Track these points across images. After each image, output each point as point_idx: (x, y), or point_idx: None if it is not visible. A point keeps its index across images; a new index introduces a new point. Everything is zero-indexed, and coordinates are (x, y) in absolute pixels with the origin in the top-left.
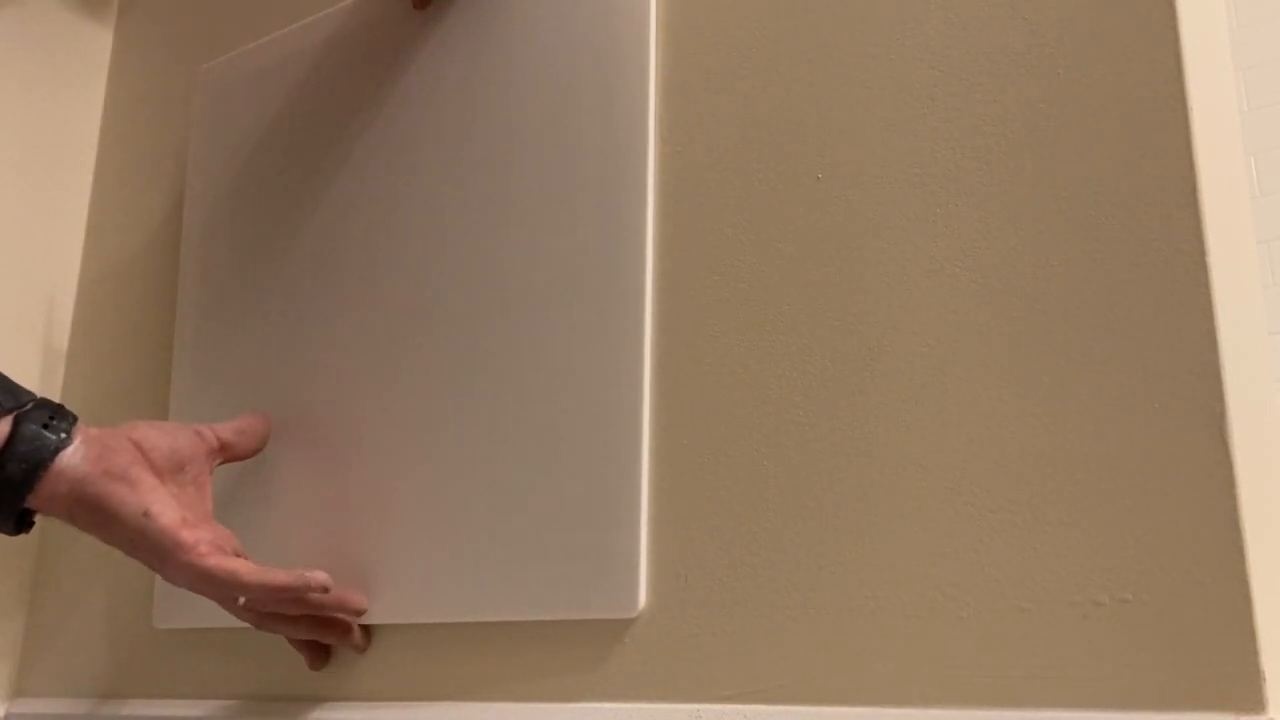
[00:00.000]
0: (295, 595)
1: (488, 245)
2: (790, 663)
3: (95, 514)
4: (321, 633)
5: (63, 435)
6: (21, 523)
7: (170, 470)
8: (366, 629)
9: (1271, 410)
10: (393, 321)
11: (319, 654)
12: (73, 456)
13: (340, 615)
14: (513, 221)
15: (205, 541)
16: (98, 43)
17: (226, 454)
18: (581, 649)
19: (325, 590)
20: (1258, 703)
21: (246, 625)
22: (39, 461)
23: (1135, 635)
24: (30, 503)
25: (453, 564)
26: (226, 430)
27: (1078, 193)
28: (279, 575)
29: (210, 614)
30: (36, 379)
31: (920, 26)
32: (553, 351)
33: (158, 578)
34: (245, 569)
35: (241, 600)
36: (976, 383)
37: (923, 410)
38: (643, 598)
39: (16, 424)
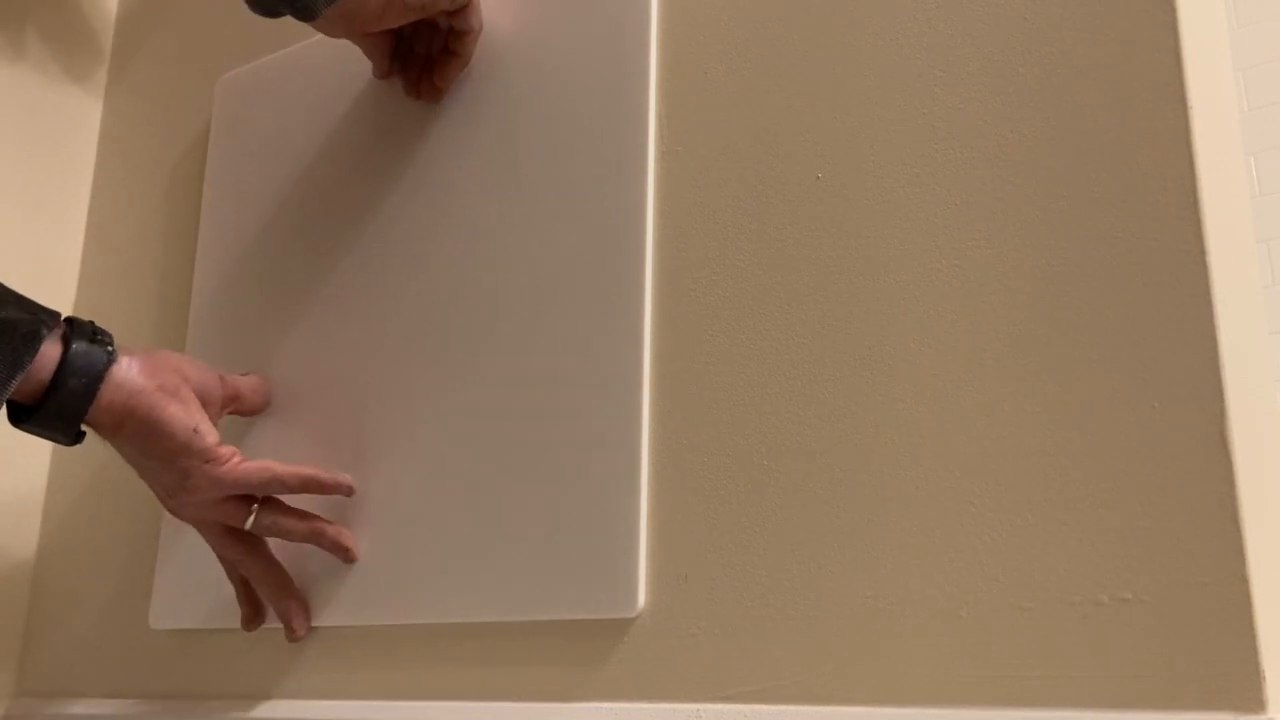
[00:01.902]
0: (322, 488)
1: (488, 247)
2: (790, 662)
3: (146, 425)
4: (282, 599)
5: (110, 350)
6: (77, 434)
7: (199, 396)
8: (312, 626)
9: (1271, 410)
10: (394, 324)
11: (257, 616)
12: (128, 370)
13: (333, 549)
14: (513, 223)
15: (238, 454)
16: (98, 43)
17: (236, 406)
18: (581, 649)
19: (350, 491)
20: (1258, 703)
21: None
22: (97, 375)
23: (1135, 635)
24: (91, 414)
25: (452, 563)
26: (243, 383)
27: (1078, 192)
28: (310, 467)
29: (205, 614)
30: None
31: (920, 26)
32: (553, 350)
33: (156, 578)
34: (276, 463)
35: (250, 521)
36: (976, 382)
37: (923, 410)
38: (642, 597)
39: (67, 343)
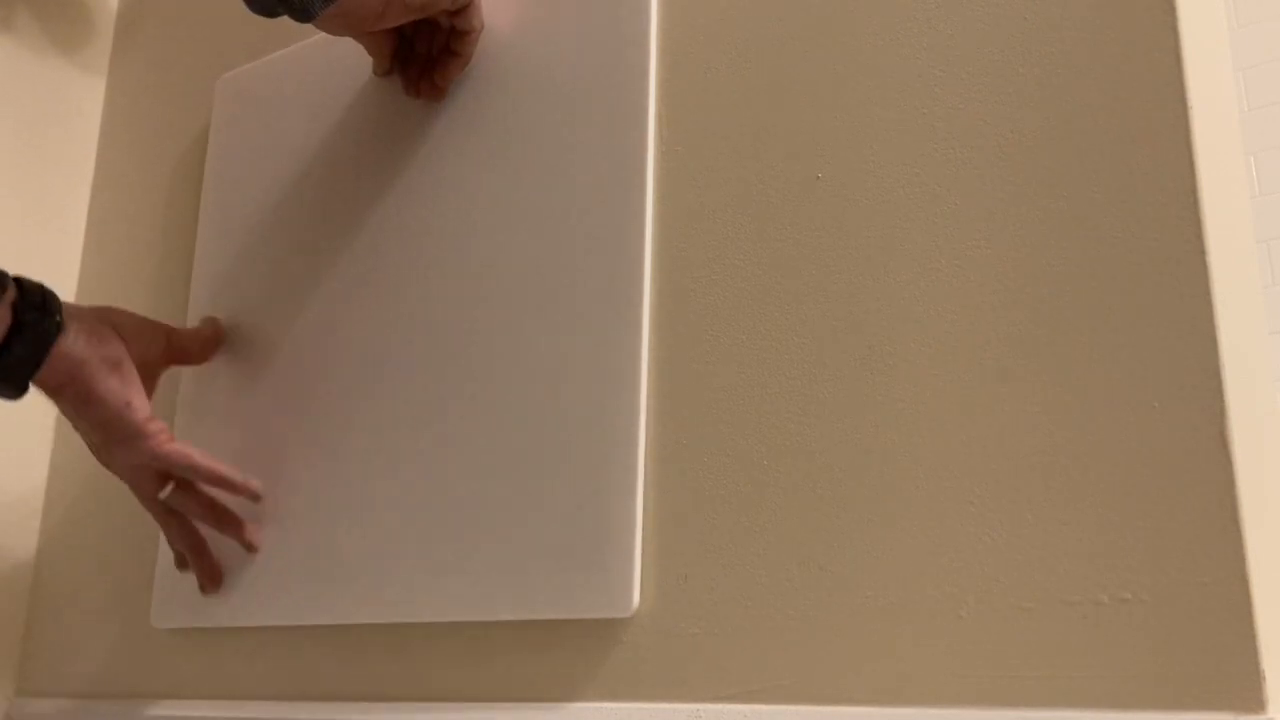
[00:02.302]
0: (231, 488)
1: (488, 246)
2: (790, 663)
3: (83, 394)
4: (198, 557)
5: (58, 319)
6: (21, 391)
7: (139, 363)
8: (220, 581)
9: (1271, 410)
10: (393, 322)
11: (214, 577)
12: (74, 342)
13: (236, 537)
14: (512, 222)
15: (166, 432)
16: (98, 41)
17: (182, 360)
18: (581, 648)
19: (256, 498)
20: (1258, 703)
21: (243, 625)
22: (44, 345)
23: (1135, 635)
24: (35, 378)
25: (448, 562)
26: (191, 339)
27: (1078, 192)
28: (224, 465)
29: (207, 613)
30: None
31: (921, 26)
32: (551, 349)
33: (157, 577)
34: (197, 452)
35: (165, 493)
36: (976, 382)
37: (922, 410)
38: (637, 597)
39: (16, 312)
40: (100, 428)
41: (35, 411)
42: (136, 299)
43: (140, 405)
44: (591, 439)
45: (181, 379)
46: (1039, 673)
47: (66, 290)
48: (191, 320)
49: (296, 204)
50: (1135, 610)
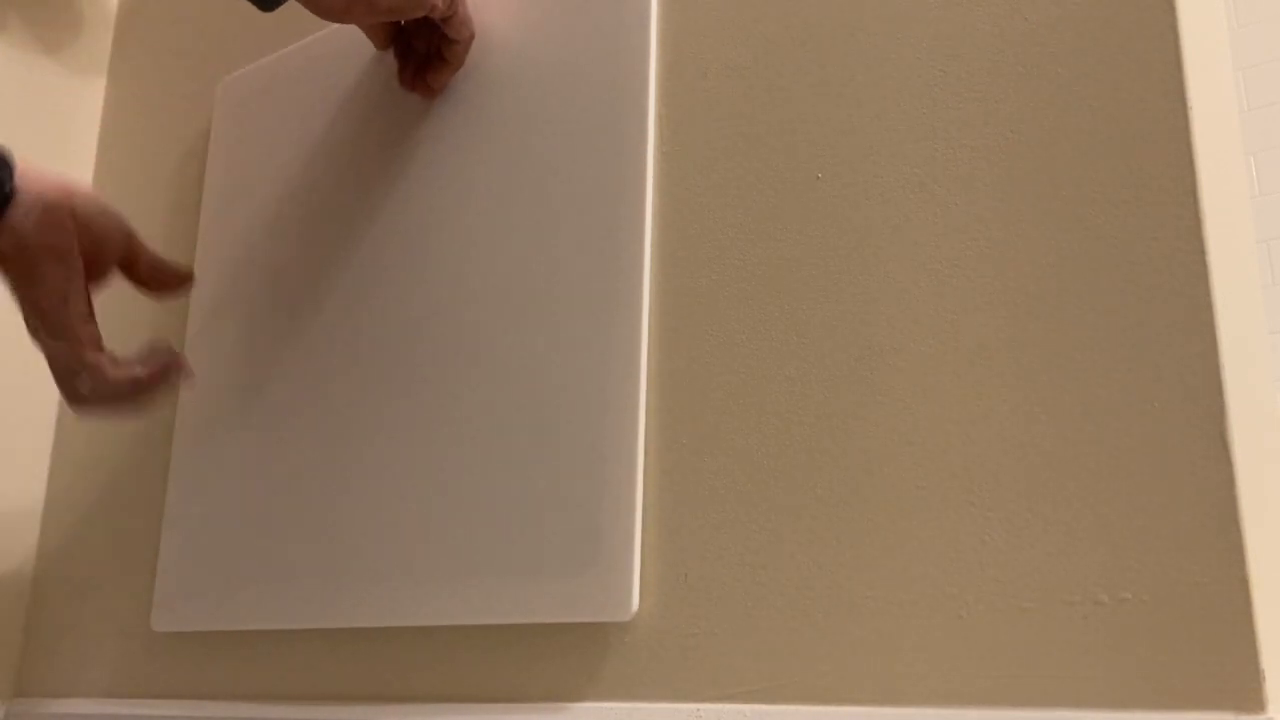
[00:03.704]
0: (152, 385)
1: (488, 248)
2: (790, 663)
3: (25, 275)
4: (138, 391)
5: (7, 189)
6: None
7: (89, 254)
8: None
9: (1271, 410)
10: (392, 324)
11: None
12: (25, 219)
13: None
14: (512, 224)
15: (97, 341)
16: (98, 43)
17: (130, 275)
18: (581, 649)
19: (179, 368)
20: (1258, 703)
21: (243, 629)
22: None
23: (1135, 635)
24: None
25: (446, 566)
26: (147, 259)
27: (1077, 192)
28: (141, 369)
29: (208, 616)
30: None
31: (920, 26)
32: (551, 351)
33: (158, 581)
34: (111, 367)
35: (87, 387)
36: (976, 382)
37: (922, 410)
38: (636, 601)
39: None
40: (36, 311)
41: (36, 412)
42: (136, 299)
43: (78, 303)
44: (591, 442)
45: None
46: (1039, 673)
47: None
48: (192, 324)
49: (296, 206)
50: (1135, 610)
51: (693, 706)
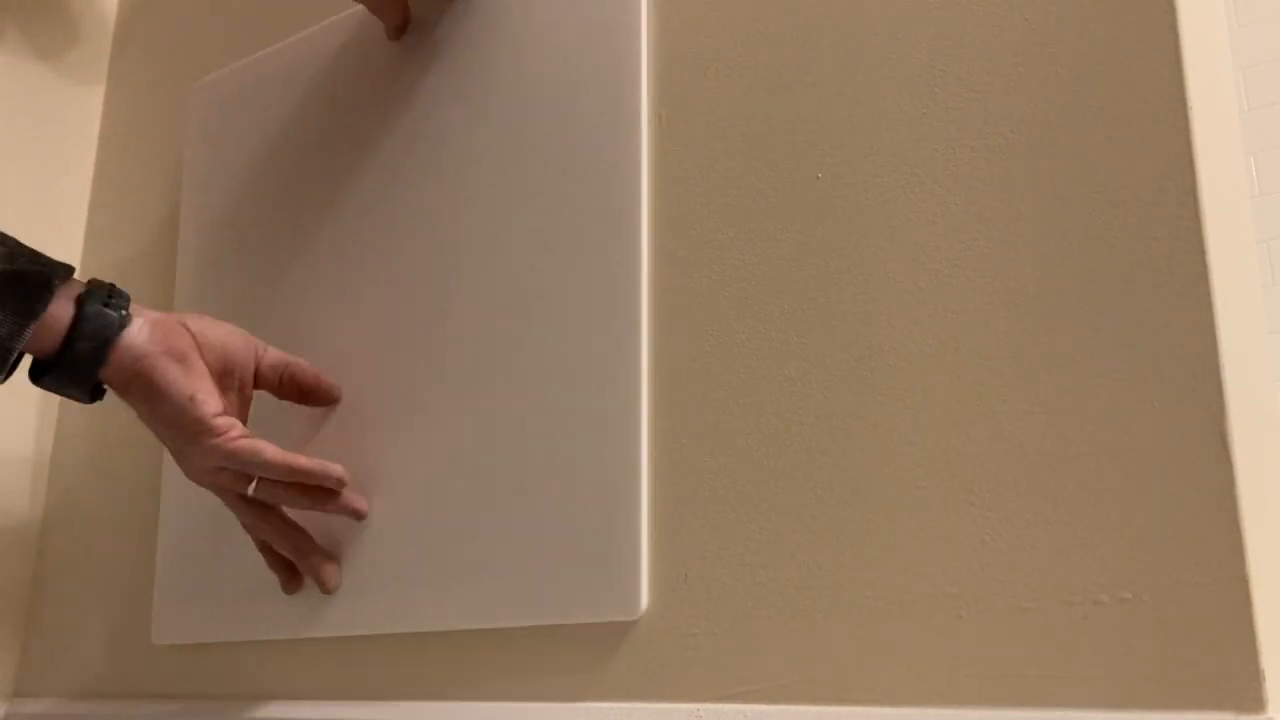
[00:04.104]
0: (310, 479)
1: (484, 248)
2: (790, 662)
3: (148, 389)
4: (306, 556)
5: (124, 313)
6: (95, 392)
7: (217, 370)
8: (340, 575)
9: (1271, 410)
10: (389, 325)
11: (294, 577)
12: (138, 335)
13: (342, 511)
14: (508, 223)
15: (238, 428)
16: (98, 46)
17: (265, 384)
18: (582, 649)
19: (341, 484)
20: (1258, 703)
21: (244, 640)
22: (106, 339)
23: (1135, 635)
24: (100, 375)
25: (452, 569)
26: (281, 365)
27: (1078, 192)
28: (300, 457)
29: (208, 628)
30: None
31: (920, 26)
32: (551, 352)
33: (157, 591)
34: (270, 448)
35: (252, 488)
36: (976, 382)
37: (923, 410)
38: (645, 600)
39: (80, 304)
40: (170, 427)
41: (36, 412)
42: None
43: (206, 400)
44: (594, 443)
45: None
46: (1039, 673)
47: None
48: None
49: (281, 203)
50: (1135, 610)
51: (692, 706)
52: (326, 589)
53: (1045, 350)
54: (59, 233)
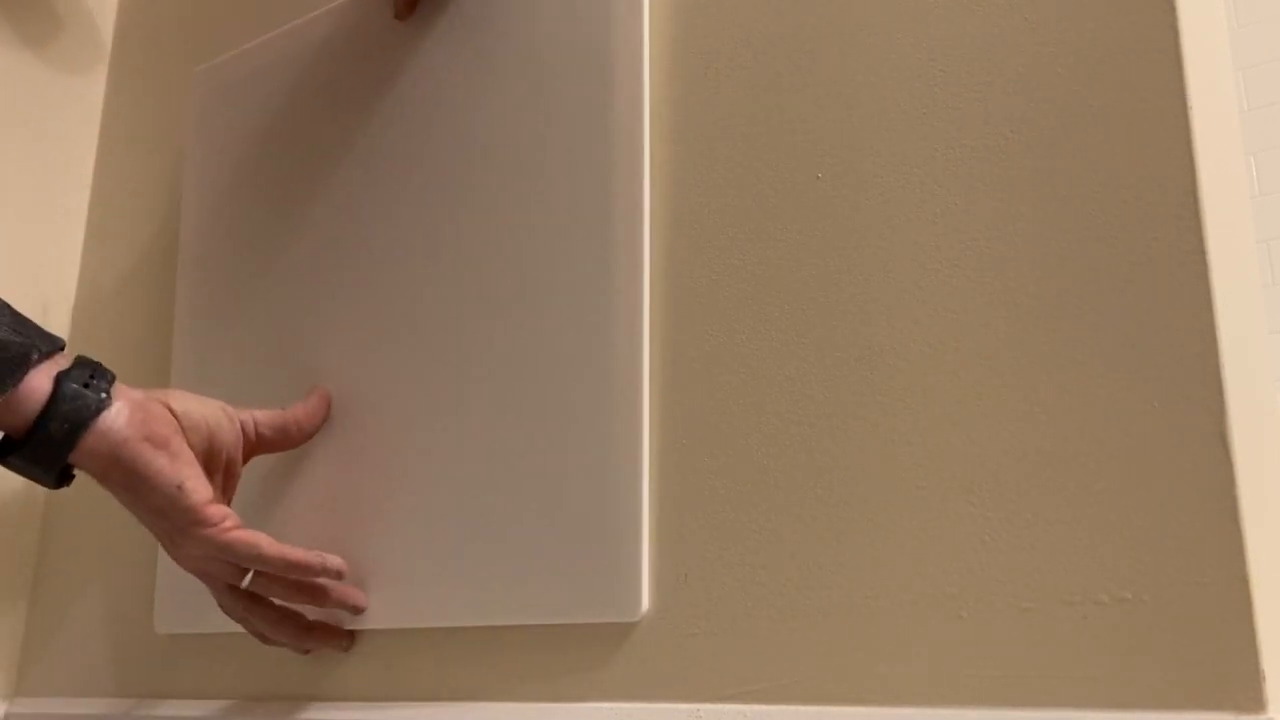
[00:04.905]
0: (309, 574)
1: (485, 248)
2: (790, 662)
3: (130, 477)
4: (305, 639)
5: (103, 395)
6: (62, 477)
7: (203, 451)
8: (352, 630)
9: (1271, 410)
10: (390, 323)
11: (302, 644)
12: (115, 418)
13: (339, 607)
14: (509, 223)
15: (230, 518)
16: (98, 43)
17: (264, 448)
18: (583, 649)
19: (339, 575)
20: (1258, 703)
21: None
22: (81, 422)
23: (1135, 635)
24: (71, 459)
25: (455, 568)
26: (268, 425)
27: (1078, 192)
28: (297, 551)
29: (211, 619)
30: None
31: (920, 26)
32: (553, 353)
33: (159, 581)
34: (265, 541)
35: (246, 581)
36: (977, 382)
37: (923, 410)
38: (646, 601)
39: (58, 383)
40: (159, 516)
41: None
42: (136, 299)
43: (196, 488)
44: (595, 444)
45: (171, 385)
46: (1039, 673)
47: (66, 291)
48: (179, 324)
49: (282, 191)
50: (1135, 610)
51: (692, 706)
52: (343, 650)
53: (1045, 350)
54: (59, 232)
